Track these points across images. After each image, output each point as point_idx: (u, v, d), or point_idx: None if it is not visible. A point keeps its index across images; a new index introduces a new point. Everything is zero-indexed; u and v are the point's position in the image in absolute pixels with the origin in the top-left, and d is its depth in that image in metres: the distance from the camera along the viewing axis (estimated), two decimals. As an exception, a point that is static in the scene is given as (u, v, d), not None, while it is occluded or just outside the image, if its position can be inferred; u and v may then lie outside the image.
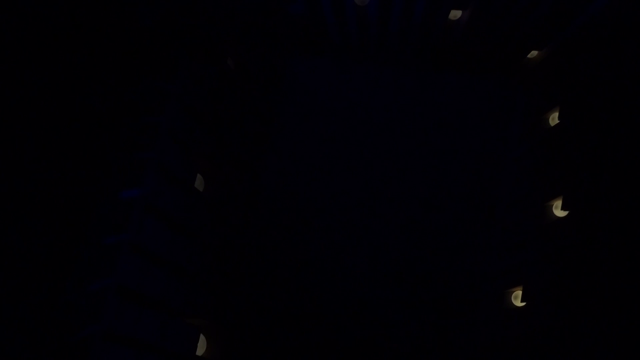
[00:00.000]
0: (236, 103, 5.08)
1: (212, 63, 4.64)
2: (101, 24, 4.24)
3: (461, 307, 5.49)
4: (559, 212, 5.20)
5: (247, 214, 5.17)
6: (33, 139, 3.94)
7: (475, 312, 5.47)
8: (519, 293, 5.21)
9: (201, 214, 4.66)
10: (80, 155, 4.20)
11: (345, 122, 6.25)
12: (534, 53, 6.41)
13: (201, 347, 4.65)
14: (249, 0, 5.43)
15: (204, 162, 4.70)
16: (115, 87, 4.33)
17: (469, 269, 5.72)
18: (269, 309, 5.35)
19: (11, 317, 3.77)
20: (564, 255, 4.93)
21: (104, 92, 4.30)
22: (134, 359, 4.13)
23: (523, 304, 5.11)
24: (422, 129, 6.28)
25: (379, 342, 5.39)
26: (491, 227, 5.86)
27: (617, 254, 4.37)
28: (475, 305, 5.48)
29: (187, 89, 4.42)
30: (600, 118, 5.03)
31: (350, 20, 6.14)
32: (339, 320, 5.43)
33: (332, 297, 5.51)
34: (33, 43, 3.97)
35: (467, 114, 6.39)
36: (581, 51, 5.59)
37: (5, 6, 3.68)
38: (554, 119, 5.77)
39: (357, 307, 5.49)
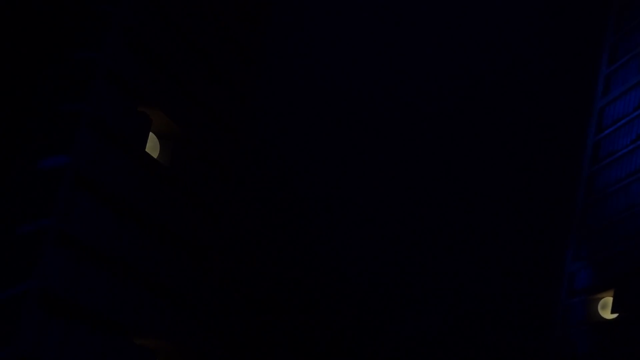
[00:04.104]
0: (205, 33, 3.97)
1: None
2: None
3: (531, 321, 4.45)
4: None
5: (223, 191, 4.12)
6: None
7: (550, 326, 4.42)
8: (608, 301, 4.21)
9: (158, 192, 3.62)
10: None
11: (361, 68, 5.23)
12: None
13: (157, 378, 3.64)
14: None
15: (161, 119, 3.57)
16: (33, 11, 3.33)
17: (536, 269, 4.62)
18: (246, 327, 4.40)
19: None
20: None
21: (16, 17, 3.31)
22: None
23: (614, 315, 4.12)
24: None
25: None
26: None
27: None
28: (550, 318, 4.42)
29: (135, 13, 3.38)
30: None
31: None
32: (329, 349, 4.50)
33: (327, 320, 4.55)
34: None
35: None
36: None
37: None
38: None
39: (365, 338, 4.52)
